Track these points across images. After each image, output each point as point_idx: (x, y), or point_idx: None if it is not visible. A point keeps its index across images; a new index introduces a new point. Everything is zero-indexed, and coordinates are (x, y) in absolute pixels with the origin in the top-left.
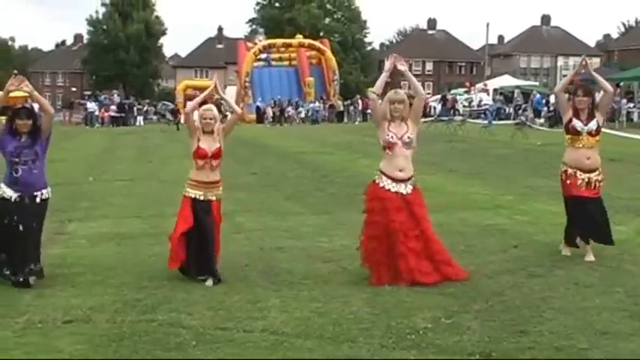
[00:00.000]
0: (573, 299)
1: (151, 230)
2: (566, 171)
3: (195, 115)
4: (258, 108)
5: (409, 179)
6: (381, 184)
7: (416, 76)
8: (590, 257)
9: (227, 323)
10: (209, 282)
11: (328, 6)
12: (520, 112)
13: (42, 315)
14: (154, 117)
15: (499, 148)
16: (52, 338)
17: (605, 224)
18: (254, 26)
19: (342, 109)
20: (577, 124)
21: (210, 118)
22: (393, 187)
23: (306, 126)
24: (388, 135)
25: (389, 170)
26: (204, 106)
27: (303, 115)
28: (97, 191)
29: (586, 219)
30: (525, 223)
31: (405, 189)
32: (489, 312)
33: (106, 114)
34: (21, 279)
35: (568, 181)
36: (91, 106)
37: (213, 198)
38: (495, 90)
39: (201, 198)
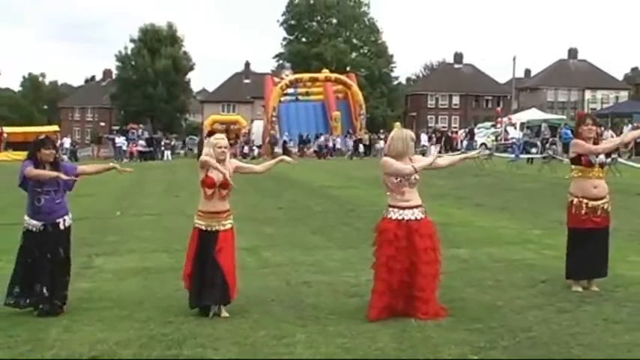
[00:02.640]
0: (602, 335)
1: (178, 265)
2: (572, 201)
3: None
4: (285, 143)
5: (417, 207)
6: (388, 216)
7: (442, 109)
8: (593, 288)
9: (253, 359)
10: (224, 313)
11: (355, 41)
12: (548, 145)
13: (69, 350)
14: (182, 151)
15: (526, 182)
16: None
17: (603, 257)
18: (281, 61)
19: (367, 142)
20: (590, 156)
21: (225, 147)
22: (399, 214)
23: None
24: (397, 178)
25: (396, 202)
26: (217, 135)
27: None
28: (125, 226)
29: (583, 254)
30: (553, 258)
31: (412, 215)
32: (517, 348)
33: (134, 148)
34: (47, 309)
35: (573, 212)
36: (120, 140)
37: (221, 228)
38: (522, 124)
39: (207, 229)
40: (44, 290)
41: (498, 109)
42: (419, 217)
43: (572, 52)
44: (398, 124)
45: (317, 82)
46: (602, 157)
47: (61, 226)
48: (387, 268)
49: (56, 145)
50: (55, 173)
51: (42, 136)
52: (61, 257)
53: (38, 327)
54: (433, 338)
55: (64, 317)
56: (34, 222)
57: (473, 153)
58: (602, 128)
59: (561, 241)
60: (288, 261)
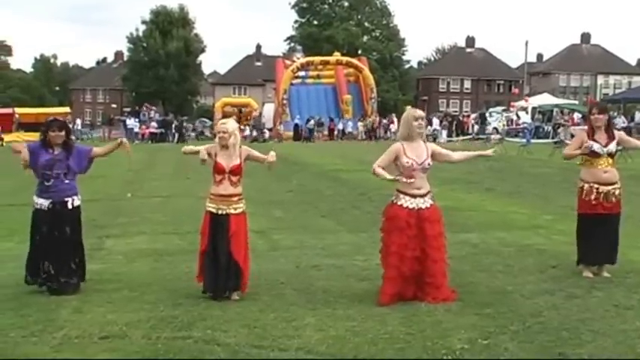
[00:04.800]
0: (613, 321)
1: (188, 247)
2: (582, 187)
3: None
4: (296, 125)
5: (427, 194)
6: (399, 203)
7: (454, 94)
8: (604, 274)
9: (262, 341)
10: (234, 296)
11: (366, 24)
12: (559, 130)
13: (79, 330)
14: (192, 134)
15: (537, 167)
16: (88, 354)
17: (613, 244)
18: (292, 44)
19: (369, 127)
20: (595, 146)
21: (224, 132)
22: (410, 203)
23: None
24: (407, 162)
25: (406, 189)
26: (222, 120)
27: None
28: (135, 207)
29: (592, 240)
30: (564, 244)
31: (423, 203)
32: (527, 333)
33: (146, 130)
34: (55, 286)
35: (583, 198)
36: (131, 122)
37: (232, 212)
38: (534, 108)
39: (218, 212)
40: (50, 268)
41: (516, 90)
42: (429, 205)
43: (585, 37)
44: (409, 107)
45: (328, 65)
46: (611, 147)
47: (69, 205)
48: (398, 256)
49: (67, 127)
50: (26, 157)
51: (50, 118)
52: (68, 236)
53: (49, 307)
54: (443, 323)
55: (75, 298)
56: (42, 200)
57: (488, 151)
58: (615, 113)
59: (572, 227)
60: (297, 244)
